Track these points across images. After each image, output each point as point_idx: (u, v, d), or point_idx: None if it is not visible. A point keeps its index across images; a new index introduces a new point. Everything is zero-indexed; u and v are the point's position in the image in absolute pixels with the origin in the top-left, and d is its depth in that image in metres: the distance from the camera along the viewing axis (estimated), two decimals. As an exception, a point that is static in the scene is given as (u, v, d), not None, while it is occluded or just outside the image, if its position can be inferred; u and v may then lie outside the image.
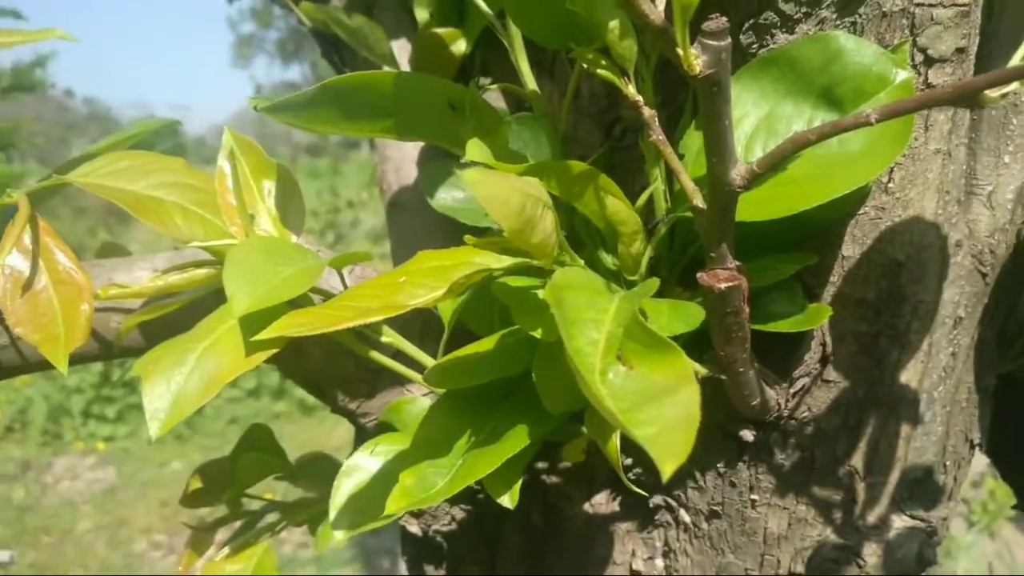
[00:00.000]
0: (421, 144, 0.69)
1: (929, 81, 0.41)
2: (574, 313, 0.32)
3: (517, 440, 0.41)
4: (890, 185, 0.44)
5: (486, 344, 0.43)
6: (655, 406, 0.28)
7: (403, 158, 0.69)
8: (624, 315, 0.32)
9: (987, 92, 0.28)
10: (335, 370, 0.55)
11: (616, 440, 0.40)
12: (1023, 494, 0.70)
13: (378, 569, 3.02)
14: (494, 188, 0.28)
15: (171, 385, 0.37)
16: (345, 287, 0.47)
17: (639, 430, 0.26)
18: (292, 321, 0.33)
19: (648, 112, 0.37)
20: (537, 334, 0.38)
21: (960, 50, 0.41)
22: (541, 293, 0.40)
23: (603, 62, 0.37)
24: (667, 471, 0.25)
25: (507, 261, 0.34)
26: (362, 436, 0.60)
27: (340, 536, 0.44)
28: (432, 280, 0.33)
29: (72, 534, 3.38)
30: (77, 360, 0.53)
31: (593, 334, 0.32)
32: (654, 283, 0.36)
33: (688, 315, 0.39)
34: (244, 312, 0.35)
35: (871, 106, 0.37)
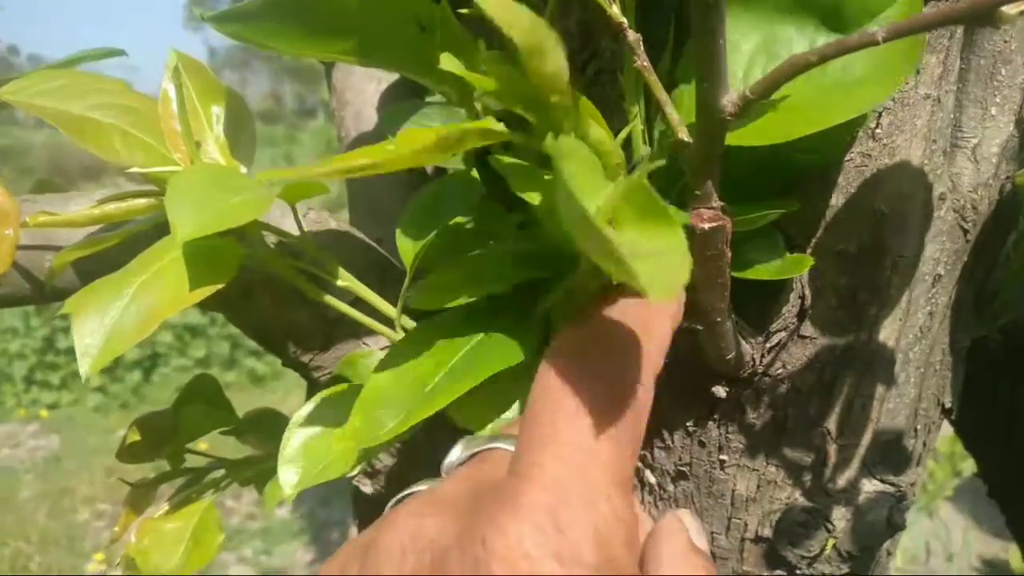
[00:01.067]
0: (381, 89, 0.66)
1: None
2: (578, 171, 0.30)
3: (480, 372, 0.38)
4: (877, 131, 0.42)
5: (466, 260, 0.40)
6: (647, 259, 0.26)
7: (363, 103, 0.66)
8: (624, 185, 0.30)
9: (1006, 9, 0.26)
10: (287, 318, 0.52)
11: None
12: (985, 464, 0.69)
13: (327, 542, 3.00)
14: (507, 8, 0.25)
15: (105, 320, 0.34)
16: (301, 229, 0.44)
17: (638, 264, 0.24)
18: (283, 174, 0.29)
19: (633, 35, 0.34)
20: (534, 199, 0.35)
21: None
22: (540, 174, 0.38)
23: (586, -22, 0.34)
24: (656, 297, 0.23)
25: (502, 128, 0.31)
26: (314, 391, 0.57)
27: (289, 491, 0.41)
28: (420, 143, 0.30)
29: (12, 503, 3.31)
30: (7, 301, 0.49)
31: (594, 198, 0.30)
32: (658, 161, 0.34)
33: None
34: (188, 237, 0.32)
35: (878, 24, 0.35)
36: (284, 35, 0.34)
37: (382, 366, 0.39)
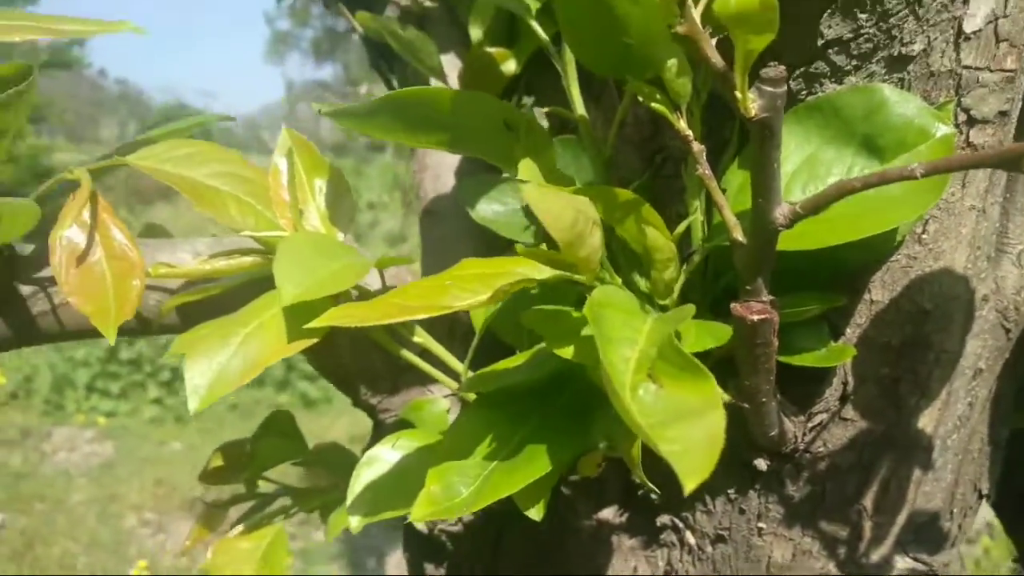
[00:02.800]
0: (460, 156, 0.71)
1: (970, 140, 0.42)
2: (610, 330, 0.34)
3: (542, 461, 0.42)
4: (923, 236, 0.45)
5: (520, 359, 0.44)
6: (682, 425, 0.29)
7: (441, 166, 0.71)
8: (658, 335, 0.33)
9: (1031, 157, 0.30)
10: (362, 364, 0.56)
11: (638, 447, 0.42)
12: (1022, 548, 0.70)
13: (364, 568, 3.03)
14: (551, 203, 0.29)
15: (213, 364, 0.38)
16: (384, 287, 0.49)
17: (666, 446, 0.28)
18: (341, 313, 0.34)
19: (697, 147, 0.38)
20: (568, 354, 0.39)
21: (1003, 113, 0.42)
22: (573, 314, 0.42)
23: (657, 96, 0.38)
24: (689, 486, 0.26)
25: (548, 273, 0.35)
26: (380, 431, 0.61)
27: (355, 523, 0.45)
28: (476, 285, 0.34)
29: (64, 504, 3.40)
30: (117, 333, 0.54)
31: (627, 351, 0.33)
32: (690, 309, 0.38)
33: (717, 332, 0.40)
34: (292, 301, 0.36)
35: (911, 158, 0.39)
36: (389, 129, 0.39)
37: (451, 434, 0.43)
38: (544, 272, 0.36)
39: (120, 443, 3.91)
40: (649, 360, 0.33)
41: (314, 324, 0.34)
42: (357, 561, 3.06)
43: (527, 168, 0.35)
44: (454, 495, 0.42)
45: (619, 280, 0.39)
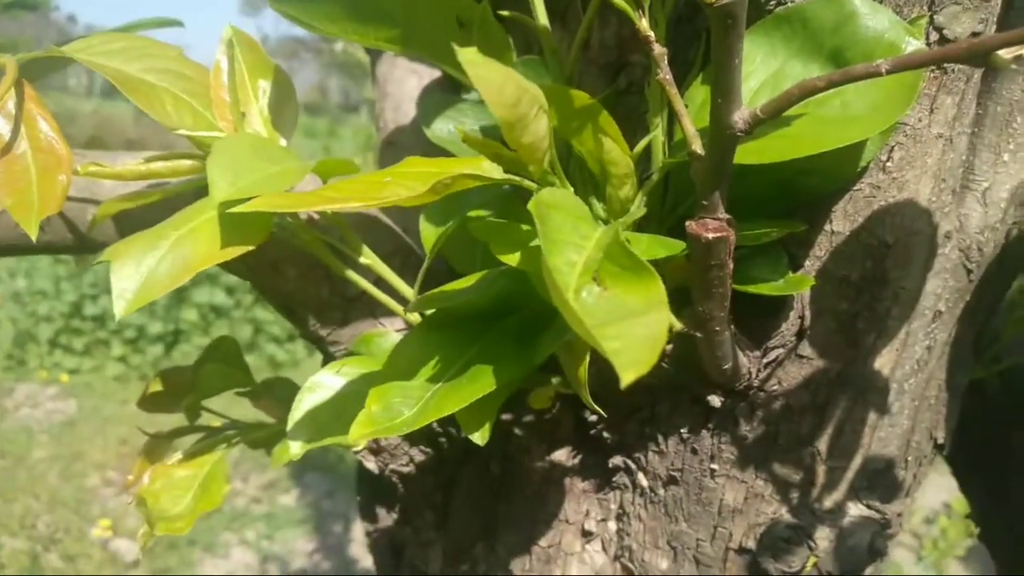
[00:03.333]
0: (422, 84, 0.68)
1: (941, 61, 0.41)
2: (556, 233, 0.32)
3: (487, 380, 0.41)
4: (888, 164, 0.44)
5: (469, 280, 0.43)
6: (624, 323, 0.28)
7: (403, 96, 0.69)
8: (606, 239, 0.32)
9: (1001, 53, 0.28)
10: (309, 292, 0.54)
11: (584, 368, 0.40)
12: (978, 504, 0.70)
13: (330, 533, 3.02)
14: (491, 72, 0.27)
15: (141, 267, 0.36)
16: (330, 203, 0.47)
17: (606, 343, 0.26)
18: (271, 200, 0.32)
19: (658, 49, 0.36)
20: (514, 261, 0.38)
21: (976, 34, 0.41)
22: (523, 227, 0.40)
23: (619, -9, 0.36)
24: (626, 379, 0.24)
25: (496, 173, 0.34)
26: (329, 363, 0.59)
27: (296, 449, 0.43)
28: (416, 183, 0.32)
29: (26, 461, 3.36)
30: (49, 248, 0.52)
31: (573, 256, 0.31)
32: (639, 212, 0.36)
33: (668, 244, 0.39)
34: (224, 198, 0.34)
35: (880, 73, 0.37)
36: (334, 17, 0.37)
37: (394, 357, 0.41)
38: (490, 172, 0.34)
39: (83, 401, 3.85)
40: (596, 264, 0.32)
41: (240, 208, 0.32)
42: (323, 527, 3.05)
43: (475, 56, 0.33)
44: (395, 415, 0.40)
45: (570, 187, 0.38)
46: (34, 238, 0.39)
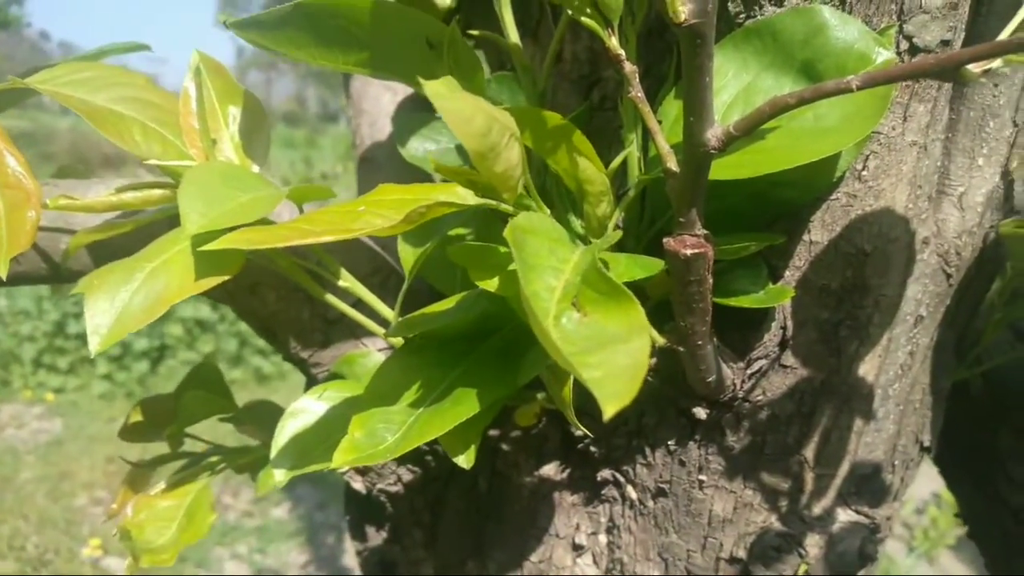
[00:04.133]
0: (398, 100, 0.68)
1: (912, 69, 0.41)
2: (534, 258, 0.32)
3: (471, 403, 0.40)
4: (863, 173, 0.44)
5: (449, 302, 0.42)
6: (605, 351, 0.27)
7: (378, 112, 0.68)
8: (584, 264, 0.31)
9: (970, 67, 0.28)
10: (289, 314, 0.54)
11: (569, 388, 0.40)
12: (966, 504, 0.70)
13: (322, 545, 3.00)
14: (459, 104, 0.27)
15: (115, 302, 0.36)
16: (306, 227, 0.46)
17: (587, 372, 0.26)
18: (241, 236, 0.31)
19: (629, 67, 0.36)
20: (492, 286, 0.37)
21: (945, 42, 0.41)
22: (500, 250, 0.40)
23: (588, 11, 0.36)
24: (608, 412, 0.24)
25: (471, 199, 0.33)
26: (312, 386, 0.59)
27: (280, 476, 0.43)
28: (391, 212, 0.32)
29: (13, 482, 3.33)
30: (23, 279, 0.51)
31: (551, 280, 0.31)
32: (616, 235, 0.36)
33: (647, 264, 0.38)
34: (196, 231, 0.34)
35: (853, 79, 0.37)
36: (300, 44, 0.37)
37: (376, 381, 0.41)
38: (464, 198, 0.34)
39: (69, 420, 3.82)
40: (574, 289, 0.31)
41: (212, 246, 0.31)
42: (316, 539, 3.03)
43: (446, 82, 0.32)
44: (378, 441, 0.40)
45: (547, 209, 0.37)
46: (4, 276, 0.39)
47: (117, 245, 0.47)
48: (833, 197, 0.44)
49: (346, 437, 0.40)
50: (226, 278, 0.37)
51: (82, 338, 4.16)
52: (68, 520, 3.11)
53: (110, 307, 0.36)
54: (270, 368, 4.21)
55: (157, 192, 0.41)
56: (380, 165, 0.67)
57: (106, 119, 0.40)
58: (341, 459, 0.39)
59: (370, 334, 0.57)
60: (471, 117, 0.27)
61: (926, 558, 2.96)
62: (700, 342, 0.42)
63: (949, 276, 0.49)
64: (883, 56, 0.38)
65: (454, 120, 0.26)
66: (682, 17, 0.29)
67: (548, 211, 0.37)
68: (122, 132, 0.40)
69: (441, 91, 0.26)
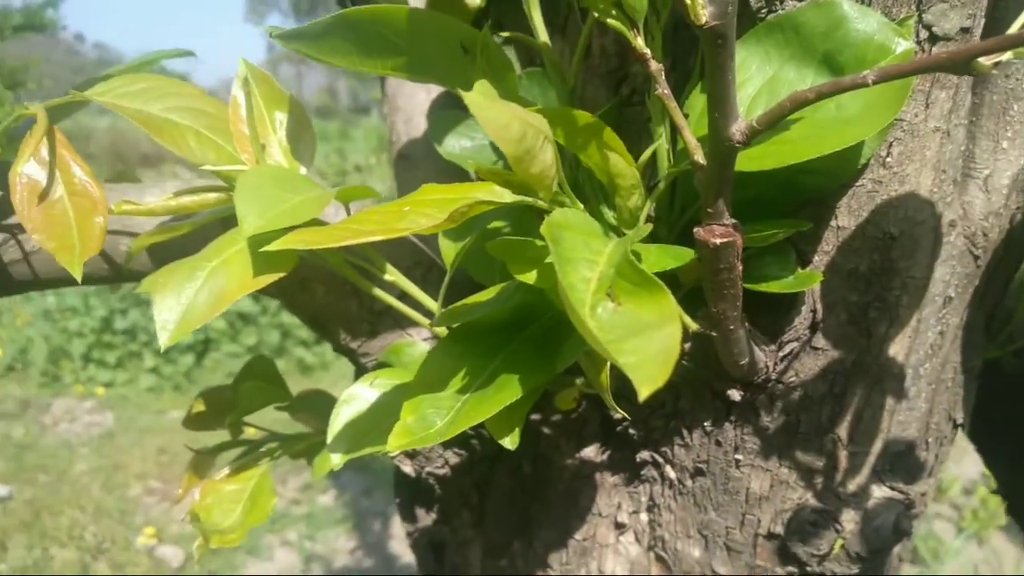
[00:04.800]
0: (432, 97, 0.70)
1: (933, 57, 0.42)
2: (570, 252, 0.34)
3: (513, 389, 0.43)
4: (888, 159, 0.45)
5: (489, 293, 0.44)
6: (639, 338, 0.29)
7: (413, 109, 0.70)
8: (616, 256, 0.33)
9: (981, 60, 0.29)
10: (338, 308, 0.56)
11: (607, 374, 0.42)
12: (1002, 479, 0.71)
13: (369, 531, 3.06)
14: (496, 112, 0.29)
15: (181, 299, 0.38)
16: (352, 224, 0.49)
17: (622, 358, 0.28)
18: (297, 237, 0.34)
19: (655, 65, 0.38)
20: (531, 279, 0.39)
21: (965, 30, 0.42)
22: (537, 243, 0.42)
23: (613, 12, 0.37)
24: (644, 393, 0.26)
25: (508, 197, 0.35)
26: (361, 376, 0.61)
27: (336, 460, 0.45)
28: (434, 211, 0.34)
29: (68, 475, 3.42)
30: (88, 280, 0.54)
31: (586, 272, 0.33)
32: (647, 227, 0.37)
33: (677, 253, 0.40)
34: (253, 232, 0.36)
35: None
36: (342, 52, 0.39)
37: (424, 369, 0.43)
38: (502, 196, 0.36)
39: (119, 413, 3.92)
40: (609, 280, 0.33)
41: (272, 247, 0.34)
42: (362, 525, 3.09)
43: (481, 87, 0.34)
44: (429, 426, 0.42)
45: (580, 205, 0.39)
46: (79, 279, 0.41)
47: (173, 245, 0.50)
48: (859, 183, 0.46)
49: (399, 422, 0.42)
50: (281, 275, 0.40)
51: (129, 333, 4.26)
52: (122, 510, 3.19)
53: (176, 304, 0.39)
54: (312, 359, 4.28)
55: (213, 195, 0.44)
56: (417, 162, 0.69)
57: (163, 128, 0.43)
58: (395, 443, 0.42)
59: (415, 324, 0.59)
60: (507, 124, 0.29)
61: (976, 539, 2.92)
62: (732, 327, 0.44)
63: (977, 257, 0.50)
64: (902, 46, 0.39)
65: (492, 128, 0.28)
66: (703, 19, 0.31)
67: (581, 206, 0.39)
68: (178, 140, 0.43)
69: (479, 101, 0.28)
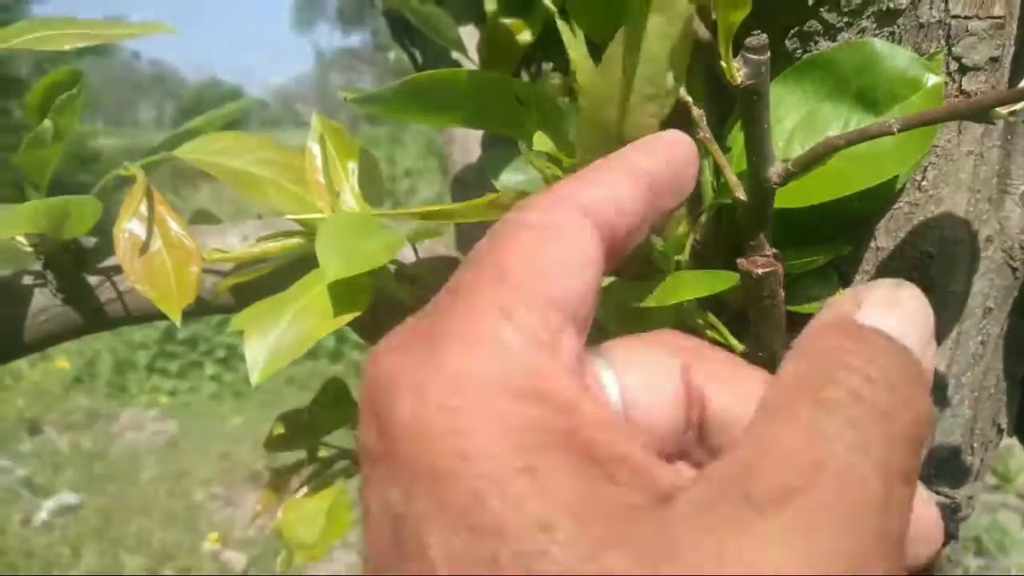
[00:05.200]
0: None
1: (963, 88, 0.44)
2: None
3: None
4: (923, 183, 0.47)
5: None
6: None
7: (467, 138, 0.74)
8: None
9: (998, 109, 0.32)
10: (396, 326, 0.60)
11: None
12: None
13: (424, 531, 3.10)
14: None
15: (269, 339, 0.42)
16: (418, 259, 0.52)
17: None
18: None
19: (697, 112, 0.41)
20: None
21: (994, 59, 0.44)
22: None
23: (657, 64, 0.40)
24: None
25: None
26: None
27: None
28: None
29: (136, 483, 3.53)
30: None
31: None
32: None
33: (724, 278, 0.43)
34: (335, 278, 0.40)
35: (903, 109, 0.41)
36: (410, 112, 0.43)
37: None
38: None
39: (183, 421, 4.04)
40: None
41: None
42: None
43: (540, 140, 0.38)
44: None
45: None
46: (179, 324, 0.46)
47: (254, 283, 0.54)
48: (896, 206, 0.48)
49: None
50: (359, 313, 0.44)
51: (189, 343, 4.39)
52: (189, 516, 3.29)
53: (264, 344, 0.43)
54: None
55: (292, 241, 0.48)
56: (472, 186, 0.73)
57: (247, 183, 0.47)
58: None
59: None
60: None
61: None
62: (777, 348, 0.47)
63: (1015, 269, 0.52)
64: (932, 80, 0.41)
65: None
66: (739, 80, 0.34)
67: None
68: (259, 193, 0.47)
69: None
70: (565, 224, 0.24)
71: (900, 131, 0.33)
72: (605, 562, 0.16)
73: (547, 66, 0.70)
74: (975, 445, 0.59)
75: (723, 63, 0.33)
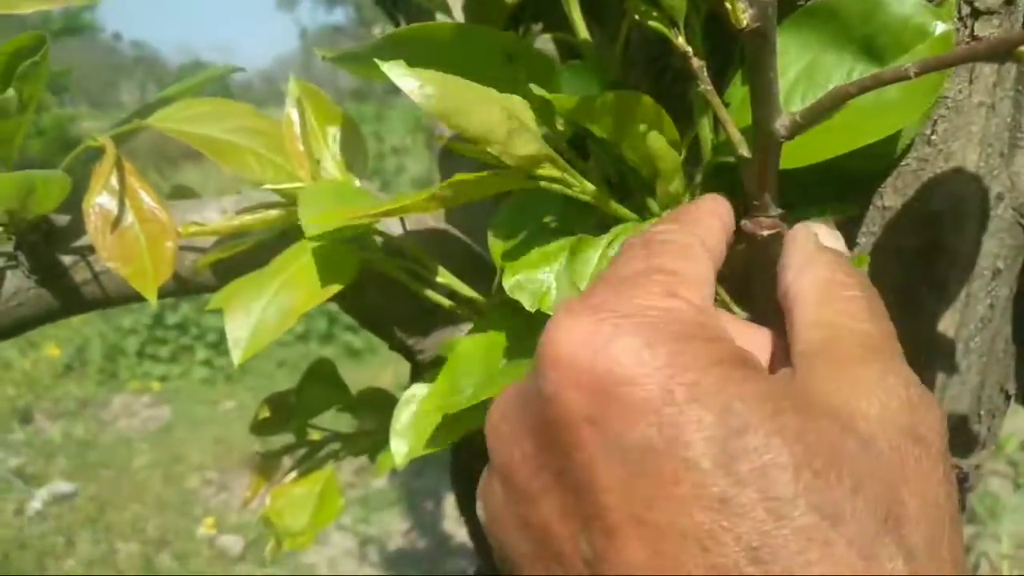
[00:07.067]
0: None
1: (975, 33, 0.42)
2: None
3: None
4: (933, 137, 0.45)
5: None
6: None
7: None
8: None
9: (1023, 48, 0.30)
10: (392, 308, 0.58)
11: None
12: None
13: (422, 510, 3.10)
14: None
15: (250, 316, 0.40)
16: (405, 230, 0.50)
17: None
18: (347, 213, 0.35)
19: (697, 63, 0.38)
20: None
21: (1008, 2, 0.42)
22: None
23: (654, 13, 0.38)
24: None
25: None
26: (417, 371, 0.63)
27: (400, 460, 0.47)
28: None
29: (129, 470, 3.51)
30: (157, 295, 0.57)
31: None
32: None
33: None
34: (319, 232, 0.38)
35: (910, 58, 0.39)
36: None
37: (465, 341, 0.45)
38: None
39: (175, 406, 4.02)
40: None
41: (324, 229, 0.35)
42: (415, 504, 3.14)
43: (536, 88, 0.36)
44: (459, 392, 0.44)
45: (587, 184, 0.40)
46: (153, 301, 0.44)
47: (234, 259, 0.52)
48: (904, 163, 0.46)
49: (432, 389, 0.44)
50: (344, 285, 0.42)
51: (180, 328, 4.35)
52: (183, 501, 3.27)
53: (247, 321, 0.41)
54: (360, 343, 4.33)
55: (273, 212, 0.46)
56: (459, 159, 0.71)
57: (225, 151, 0.45)
58: (427, 406, 0.43)
59: (467, 320, 0.61)
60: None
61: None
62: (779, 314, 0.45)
63: (1026, 228, 0.50)
64: (940, 28, 0.39)
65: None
66: (744, 23, 0.32)
67: (591, 186, 0.40)
68: (238, 162, 0.45)
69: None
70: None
71: (918, 75, 0.31)
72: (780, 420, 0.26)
73: (536, 27, 0.68)
74: (982, 413, 0.58)
75: (728, 4, 0.31)
